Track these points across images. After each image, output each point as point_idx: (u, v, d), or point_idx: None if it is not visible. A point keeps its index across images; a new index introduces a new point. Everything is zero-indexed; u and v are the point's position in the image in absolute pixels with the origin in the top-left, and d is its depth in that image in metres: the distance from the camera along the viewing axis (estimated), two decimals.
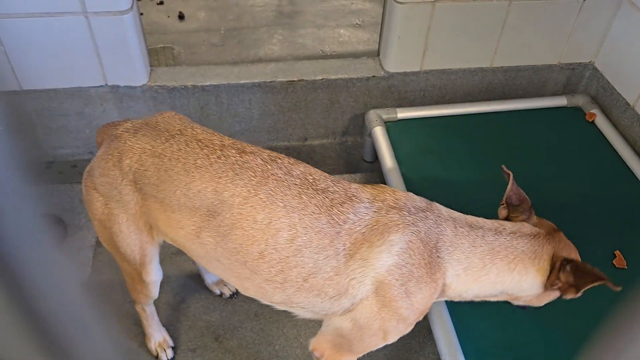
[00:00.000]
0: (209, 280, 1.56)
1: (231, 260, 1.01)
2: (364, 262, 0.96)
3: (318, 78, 1.85)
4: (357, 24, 2.62)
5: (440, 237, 0.99)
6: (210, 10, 2.67)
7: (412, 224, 0.98)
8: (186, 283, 1.61)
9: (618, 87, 1.85)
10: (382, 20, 1.85)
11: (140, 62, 1.73)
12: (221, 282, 1.57)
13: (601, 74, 1.93)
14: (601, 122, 1.86)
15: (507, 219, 1.09)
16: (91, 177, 1.13)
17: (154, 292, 1.26)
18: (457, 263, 0.99)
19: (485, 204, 1.59)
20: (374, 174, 1.95)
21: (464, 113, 1.90)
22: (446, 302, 1.32)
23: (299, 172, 1.02)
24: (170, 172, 1.02)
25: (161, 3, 2.70)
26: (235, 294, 1.57)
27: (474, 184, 1.68)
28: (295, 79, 1.84)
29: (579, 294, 0.98)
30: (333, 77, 1.86)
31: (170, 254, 1.64)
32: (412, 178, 1.67)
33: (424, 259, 0.97)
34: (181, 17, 2.61)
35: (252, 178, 0.99)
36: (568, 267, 0.98)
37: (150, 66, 1.82)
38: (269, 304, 1.08)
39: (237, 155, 1.02)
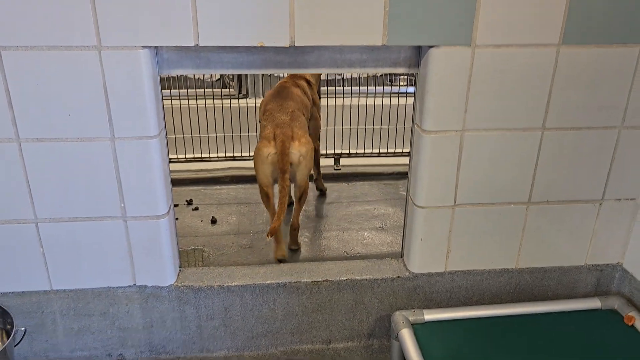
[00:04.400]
0: None
1: None
2: None
3: (343, 278, 1.86)
4: (380, 227, 2.72)
5: None
6: (241, 215, 2.83)
7: None
8: None
9: None
10: (404, 223, 1.92)
11: (171, 263, 1.79)
12: None
13: (632, 275, 1.89)
14: None
15: None
16: None
17: None
18: None
19: None
20: None
21: (494, 315, 1.84)
22: None
23: None
24: None
25: (196, 209, 2.89)
26: None
27: None
28: (320, 279, 1.85)
29: None
30: (358, 277, 1.87)
31: None
32: None
33: None
34: (213, 221, 2.77)
35: None
36: None
37: (180, 266, 1.88)
38: None
39: None
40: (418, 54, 1.66)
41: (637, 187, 1.82)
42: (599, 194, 1.82)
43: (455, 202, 1.77)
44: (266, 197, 2.35)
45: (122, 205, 1.66)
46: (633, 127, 1.72)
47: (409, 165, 1.84)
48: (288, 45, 1.51)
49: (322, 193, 3.08)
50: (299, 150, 2.20)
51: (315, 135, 2.87)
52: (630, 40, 1.60)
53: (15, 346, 1.76)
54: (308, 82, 2.77)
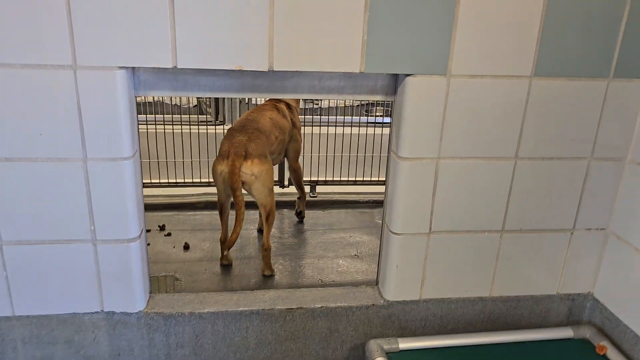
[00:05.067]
0: None
1: None
2: None
3: (317, 306, 1.83)
4: (355, 255, 2.70)
5: None
6: (214, 241, 2.78)
7: None
8: None
9: (623, 319, 1.81)
10: (379, 250, 1.91)
11: (141, 289, 1.73)
12: None
13: (603, 305, 1.91)
14: (614, 356, 1.78)
15: None
16: None
17: None
18: None
19: None
20: None
21: (468, 344, 1.83)
22: None
23: None
24: None
25: (169, 234, 2.83)
26: None
27: None
28: (294, 307, 1.82)
29: None
30: (332, 305, 1.85)
31: None
32: None
33: None
34: (186, 247, 2.72)
35: None
36: None
37: (150, 292, 1.82)
38: None
39: None
40: (395, 82, 1.69)
41: (607, 218, 1.86)
42: (570, 224, 1.85)
43: (430, 229, 1.78)
44: (220, 211, 2.50)
45: (92, 228, 1.62)
46: (602, 158, 1.77)
47: (384, 192, 1.85)
48: (267, 70, 1.52)
49: (300, 218, 3.06)
50: (250, 169, 2.25)
51: (294, 158, 2.88)
52: (598, 74, 1.65)
53: None
54: (288, 105, 2.80)
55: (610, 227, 1.86)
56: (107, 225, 1.62)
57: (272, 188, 2.37)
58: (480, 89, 1.62)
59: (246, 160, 2.25)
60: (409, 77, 1.59)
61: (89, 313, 1.72)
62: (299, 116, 2.96)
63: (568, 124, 1.71)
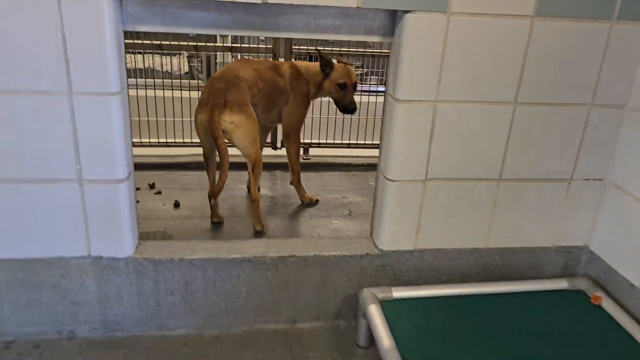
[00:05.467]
0: None
1: None
2: None
3: (310, 254, 1.80)
4: (348, 214, 2.67)
5: None
6: (205, 200, 2.73)
7: None
8: None
9: (619, 269, 1.80)
10: (374, 199, 1.88)
11: (129, 233, 1.69)
12: None
13: (598, 257, 1.90)
14: (608, 305, 1.76)
15: None
16: None
17: None
18: None
19: None
20: None
21: (463, 294, 1.81)
22: None
23: None
24: None
25: (159, 192, 2.78)
26: None
27: None
28: (286, 255, 1.79)
29: None
30: (325, 253, 1.81)
31: None
32: None
33: None
34: (176, 205, 2.67)
35: None
36: None
37: (139, 240, 1.78)
38: None
39: None
40: (393, 21, 1.63)
41: (605, 168, 1.83)
42: (568, 173, 1.82)
43: (426, 176, 1.74)
44: (206, 165, 2.49)
45: (78, 167, 1.56)
46: (602, 105, 1.73)
47: (380, 138, 1.81)
48: (261, 2, 1.46)
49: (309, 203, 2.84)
50: (230, 117, 2.18)
51: (287, 125, 2.74)
52: (601, 15, 1.61)
53: None
54: (297, 72, 2.65)
55: (609, 177, 1.83)
56: (94, 165, 1.57)
57: (256, 138, 2.29)
58: (480, 28, 1.57)
59: (225, 108, 2.18)
60: (407, 14, 1.54)
61: (75, 257, 1.68)
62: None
63: (569, 68, 1.66)
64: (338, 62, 2.73)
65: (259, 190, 2.41)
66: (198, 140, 3.25)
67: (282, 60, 3.22)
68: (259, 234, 2.41)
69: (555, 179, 1.82)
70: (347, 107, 2.67)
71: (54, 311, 1.73)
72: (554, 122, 1.73)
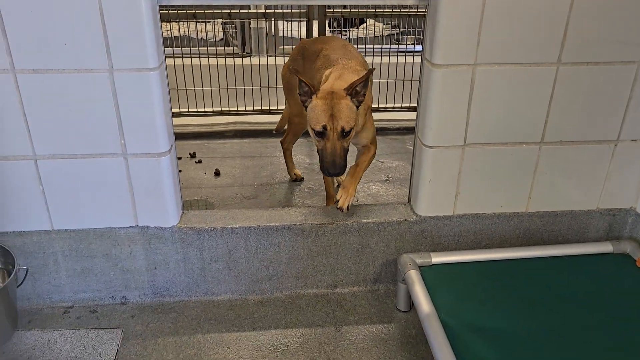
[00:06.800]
0: None
1: None
2: None
3: (349, 221, 1.82)
4: (386, 179, 2.67)
5: None
6: (245, 168, 2.79)
7: None
8: None
9: None
10: (412, 165, 1.87)
11: (173, 204, 1.75)
12: None
13: None
14: None
15: None
16: None
17: None
18: None
19: (530, 352, 1.43)
20: (410, 325, 1.79)
21: (503, 258, 1.80)
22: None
23: None
24: None
25: (199, 162, 2.84)
26: None
27: (517, 332, 1.52)
28: (325, 222, 1.82)
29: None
30: (364, 220, 1.83)
31: None
32: (452, 325, 1.52)
33: None
34: (217, 174, 2.73)
35: None
36: None
37: (182, 209, 1.84)
38: None
39: None
40: None
41: None
42: (614, 134, 1.76)
43: (465, 141, 1.72)
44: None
45: (122, 141, 1.62)
46: None
47: (417, 103, 1.78)
48: None
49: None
50: None
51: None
52: None
53: (18, 287, 1.74)
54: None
55: None
56: (137, 139, 1.61)
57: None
58: None
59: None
60: None
61: (124, 227, 1.75)
62: None
63: (616, 23, 1.58)
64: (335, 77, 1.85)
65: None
66: (235, 109, 3.30)
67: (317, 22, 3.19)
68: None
69: (601, 140, 1.76)
70: (323, 168, 1.76)
71: (106, 278, 1.82)
72: (600, 82, 1.66)
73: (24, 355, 1.65)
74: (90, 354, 1.66)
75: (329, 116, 1.70)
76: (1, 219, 1.70)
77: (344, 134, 1.72)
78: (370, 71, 1.75)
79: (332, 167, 1.71)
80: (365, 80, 1.71)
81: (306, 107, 1.77)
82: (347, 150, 1.77)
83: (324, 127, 1.71)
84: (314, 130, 1.74)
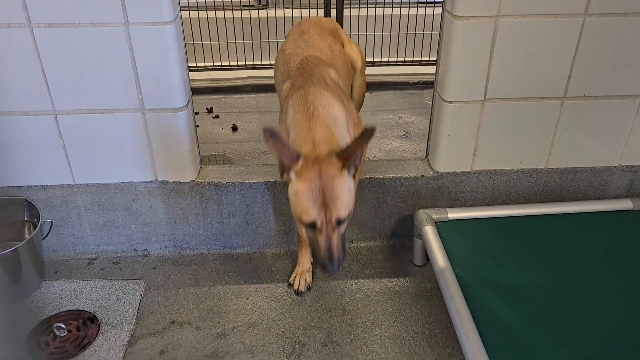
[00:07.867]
0: None
1: None
2: None
3: (365, 176, 1.82)
4: (403, 135, 2.65)
5: None
6: (262, 123, 2.78)
7: None
8: None
9: None
10: (430, 120, 1.85)
11: (191, 159, 1.76)
12: None
13: None
14: None
15: None
16: None
17: None
18: None
19: (545, 308, 1.44)
20: (425, 279, 1.81)
21: (521, 214, 1.80)
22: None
23: None
24: None
25: (217, 117, 2.85)
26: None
27: (532, 288, 1.53)
28: None
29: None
30: (380, 176, 1.83)
31: None
32: (467, 280, 1.54)
33: None
34: (234, 129, 2.73)
35: None
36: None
37: (200, 164, 1.86)
38: None
39: None
40: None
41: None
42: (639, 89, 1.71)
43: (485, 96, 1.68)
44: None
45: (140, 97, 1.62)
46: None
47: (436, 57, 1.74)
48: None
49: None
50: None
51: None
52: None
53: (43, 239, 1.80)
54: None
55: None
56: (154, 94, 1.62)
57: None
58: None
59: None
60: None
61: (144, 182, 1.78)
62: None
63: None
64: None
65: None
66: (251, 63, 3.26)
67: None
68: None
69: (625, 95, 1.71)
70: (318, 264, 1.37)
71: (128, 231, 1.87)
72: (627, 34, 1.60)
73: (52, 303, 1.72)
74: (115, 303, 1.72)
75: (320, 205, 1.25)
76: (25, 174, 1.74)
77: (341, 222, 1.30)
78: (370, 131, 1.21)
79: (329, 263, 1.30)
80: (368, 138, 1.22)
81: (284, 181, 1.33)
82: (345, 237, 1.36)
83: (315, 222, 1.28)
84: (302, 223, 1.33)
